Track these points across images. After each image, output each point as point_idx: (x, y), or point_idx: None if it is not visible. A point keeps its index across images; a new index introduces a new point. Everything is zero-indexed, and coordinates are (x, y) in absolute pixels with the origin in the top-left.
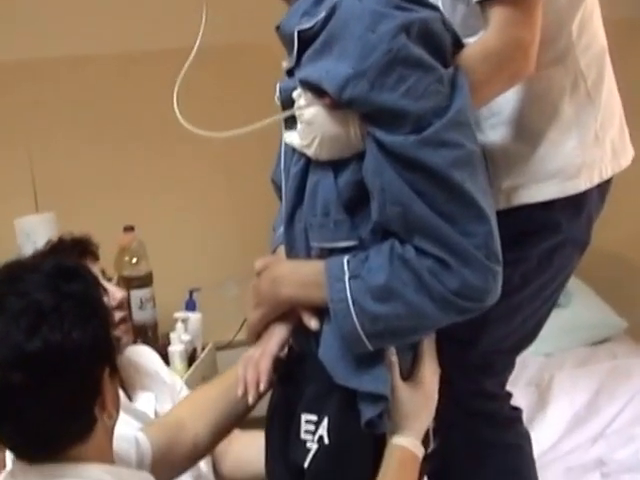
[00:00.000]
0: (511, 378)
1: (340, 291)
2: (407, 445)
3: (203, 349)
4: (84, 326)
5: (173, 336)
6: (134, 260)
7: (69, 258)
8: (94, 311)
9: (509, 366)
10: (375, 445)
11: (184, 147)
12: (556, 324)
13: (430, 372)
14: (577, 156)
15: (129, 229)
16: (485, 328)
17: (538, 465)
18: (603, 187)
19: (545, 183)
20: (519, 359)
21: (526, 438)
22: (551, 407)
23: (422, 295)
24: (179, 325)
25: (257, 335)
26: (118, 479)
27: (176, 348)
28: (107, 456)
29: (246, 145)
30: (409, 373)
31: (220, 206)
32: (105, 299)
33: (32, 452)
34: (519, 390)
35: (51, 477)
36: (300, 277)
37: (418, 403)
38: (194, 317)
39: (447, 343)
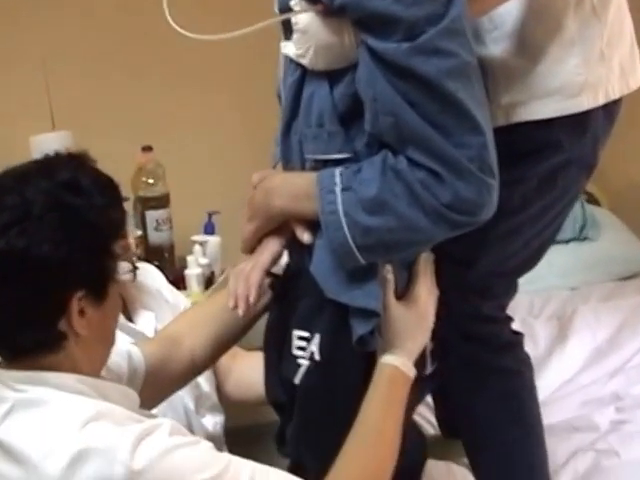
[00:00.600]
0: (534, 311)
1: (331, 203)
2: (398, 364)
3: (221, 273)
4: (60, 242)
5: (190, 259)
6: (151, 180)
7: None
8: (82, 231)
9: (510, 290)
10: (366, 363)
11: (205, 69)
12: (584, 258)
13: (425, 291)
14: (580, 74)
15: (147, 149)
16: (484, 249)
17: (554, 397)
18: (611, 108)
19: (545, 100)
20: (543, 293)
21: (527, 364)
22: (571, 340)
23: (414, 208)
24: (197, 248)
25: (251, 248)
26: (94, 389)
27: (193, 271)
28: (85, 370)
29: (264, 68)
30: (404, 292)
31: (241, 129)
32: None
33: (1, 354)
34: (540, 322)
35: (24, 384)
36: (292, 188)
37: (411, 322)
38: (213, 240)
39: (446, 264)
